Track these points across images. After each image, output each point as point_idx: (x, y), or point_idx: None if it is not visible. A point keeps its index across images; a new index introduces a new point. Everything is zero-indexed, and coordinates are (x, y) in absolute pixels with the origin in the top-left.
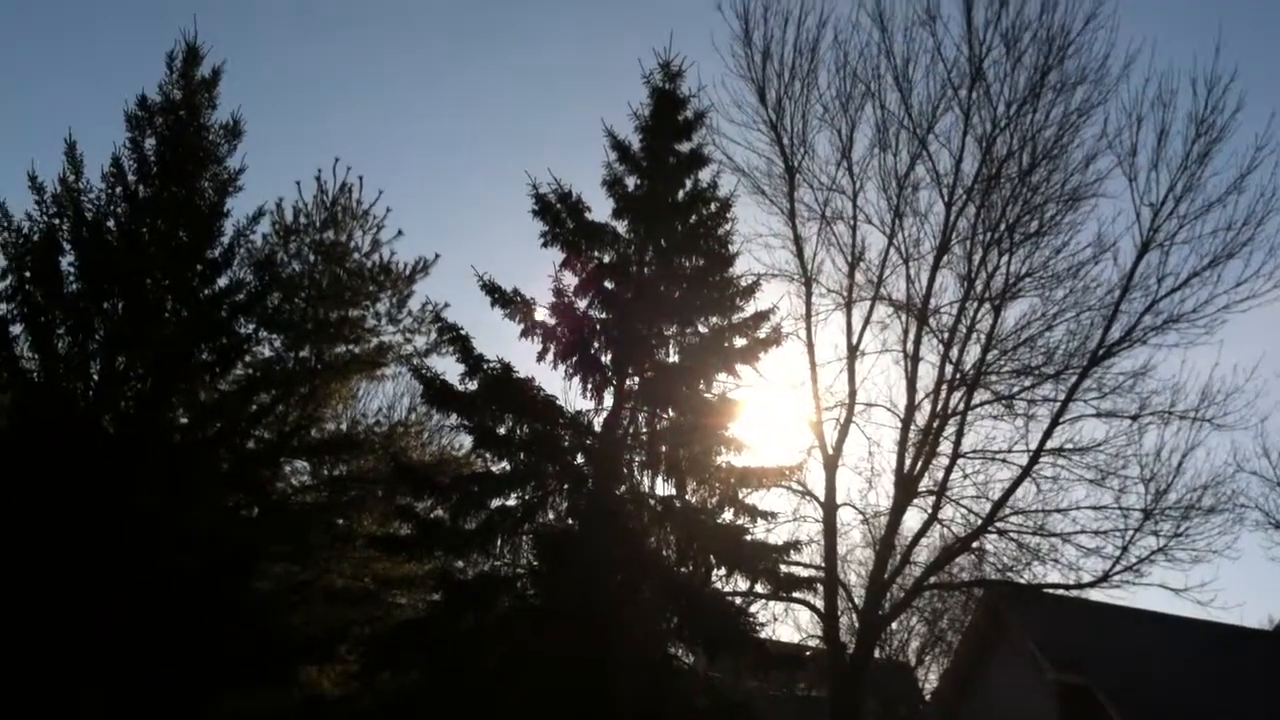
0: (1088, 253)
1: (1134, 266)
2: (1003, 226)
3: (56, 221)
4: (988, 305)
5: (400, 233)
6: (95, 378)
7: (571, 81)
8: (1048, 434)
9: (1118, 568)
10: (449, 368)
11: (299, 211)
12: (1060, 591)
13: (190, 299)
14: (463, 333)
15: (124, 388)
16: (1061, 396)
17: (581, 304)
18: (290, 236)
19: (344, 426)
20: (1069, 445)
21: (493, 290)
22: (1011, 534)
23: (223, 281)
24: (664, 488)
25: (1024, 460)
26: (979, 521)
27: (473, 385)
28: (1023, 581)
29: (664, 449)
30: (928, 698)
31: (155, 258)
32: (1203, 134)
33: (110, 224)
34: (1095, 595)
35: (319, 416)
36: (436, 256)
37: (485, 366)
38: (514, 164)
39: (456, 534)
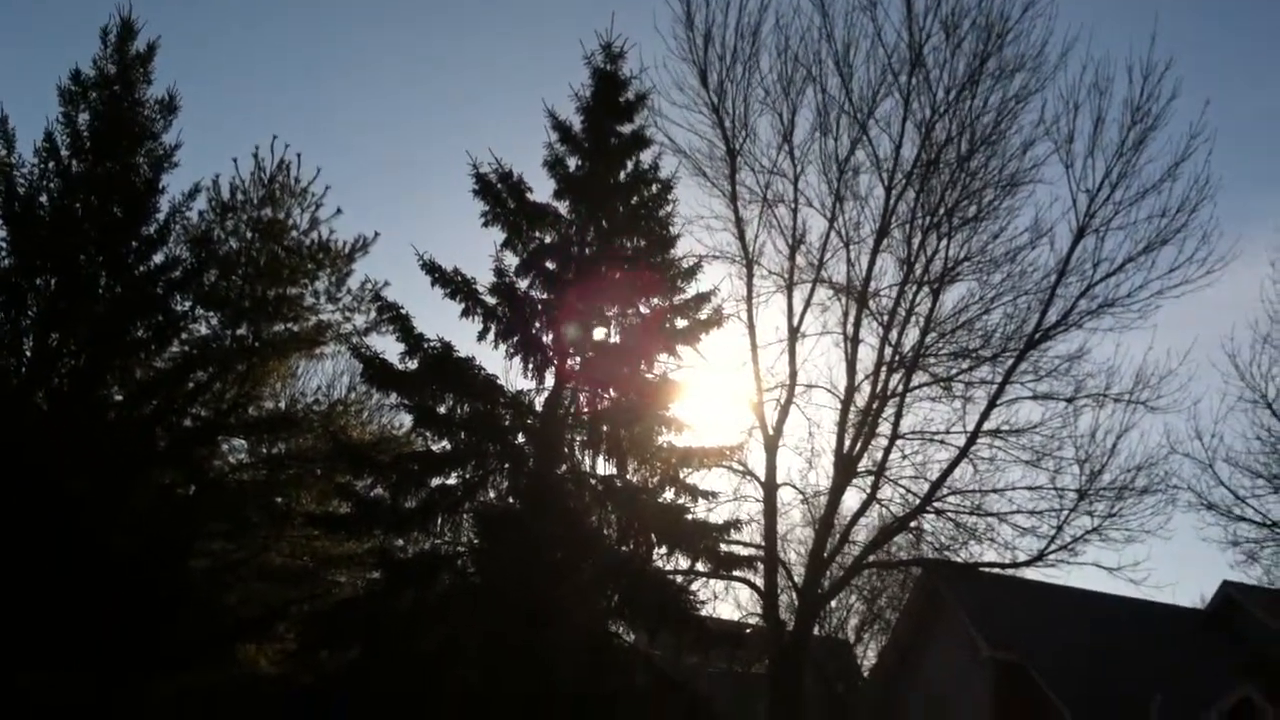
0: (1025, 238)
1: (1070, 251)
2: (941, 211)
3: None
4: (927, 289)
5: (339, 211)
6: (28, 354)
7: (513, 61)
8: (985, 415)
9: (1053, 547)
10: (389, 347)
11: (236, 188)
12: (996, 570)
13: (125, 275)
14: (403, 312)
15: (57, 364)
16: (999, 379)
17: (523, 284)
18: (227, 213)
19: (282, 405)
20: (1006, 427)
21: (433, 270)
22: (949, 514)
23: (158, 258)
24: (605, 467)
25: (961, 441)
26: (917, 501)
27: (413, 364)
28: (960, 560)
29: (605, 429)
30: (866, 674)
31: (88, 233)
32: (1138, 121)
33: (43, 199)
34: (1030, 574)
35: (257, 395)
36: (376, 235)
37: (425, 346)
38: (455, 144)
39: (396, 513)
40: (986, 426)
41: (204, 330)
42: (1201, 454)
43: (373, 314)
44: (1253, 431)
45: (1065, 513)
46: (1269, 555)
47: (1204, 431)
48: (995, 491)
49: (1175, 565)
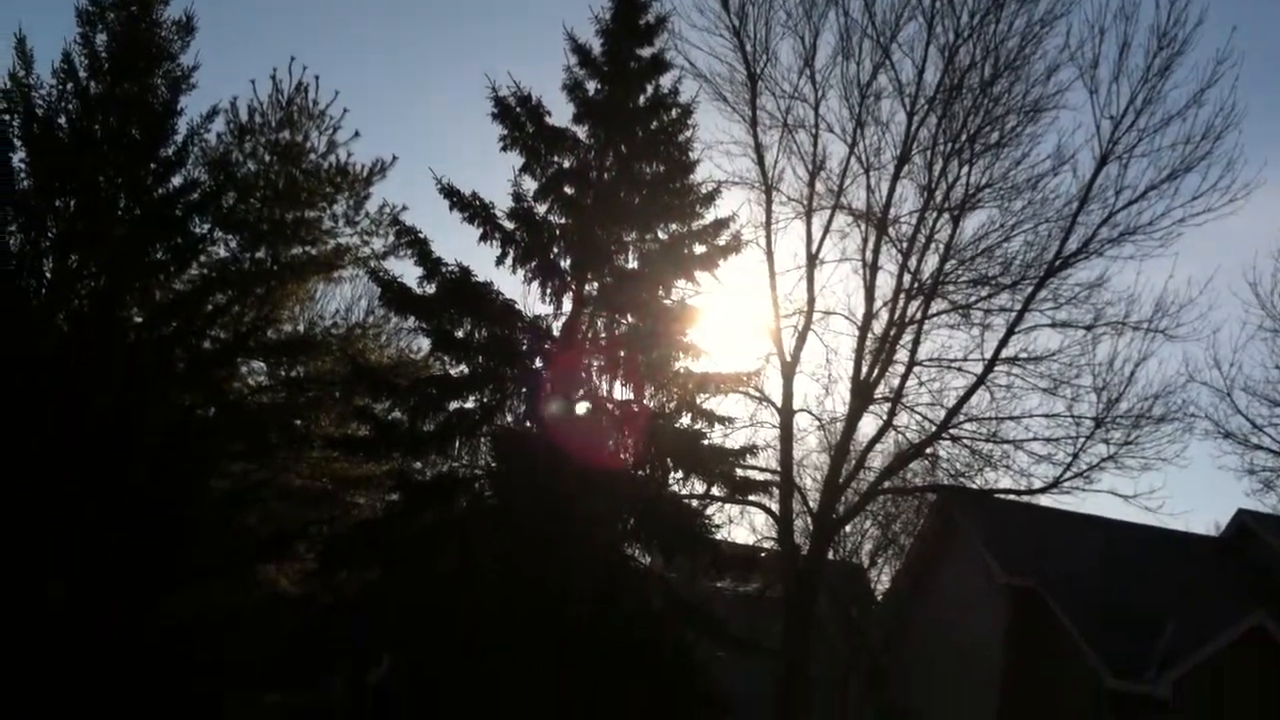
0: (1047, 164)
1: (1092, 179)
2: (964, 137)
3: (7, 117)
4: (947, 215)
5: (357, 134)
6: (48, 276)
7: None
8: (1003, 343)
9: (1068, 474)
10: (407, 271)
11: (254, 111)
12: (1011, 497)
13: (143, 197)
14: (421, 235)
15: (77, 286)
16: (1017, 306)
17: (541, 209)
18: (245, 136)
19: (301, 328)
20: (1023, 354)
21: (451, 194)
22: (965, 440)
23: (176, 180)
24: (622, 392)
25: (979, 368)
26: (933, 428)
27: (431, 289)
28: (975, 487)
29: (622, 354)
30: (880, 599)
31: (107, 155)
32: (1164, 47)
33: (61, 121)
34: (1045, 501)
35: (276, 318)
36: (394, 158)
37: (443, 270)
38: (474, 67)
39: (414, 435)
40: (1004, 354)
41: (223, 253)
42: (1220, 382)
43: (391, 238)
44: (1272, 360)
45: (1081, 440)
46: None
47: (1223, 360)
48: (1012, 419)
49: (1190, 493)
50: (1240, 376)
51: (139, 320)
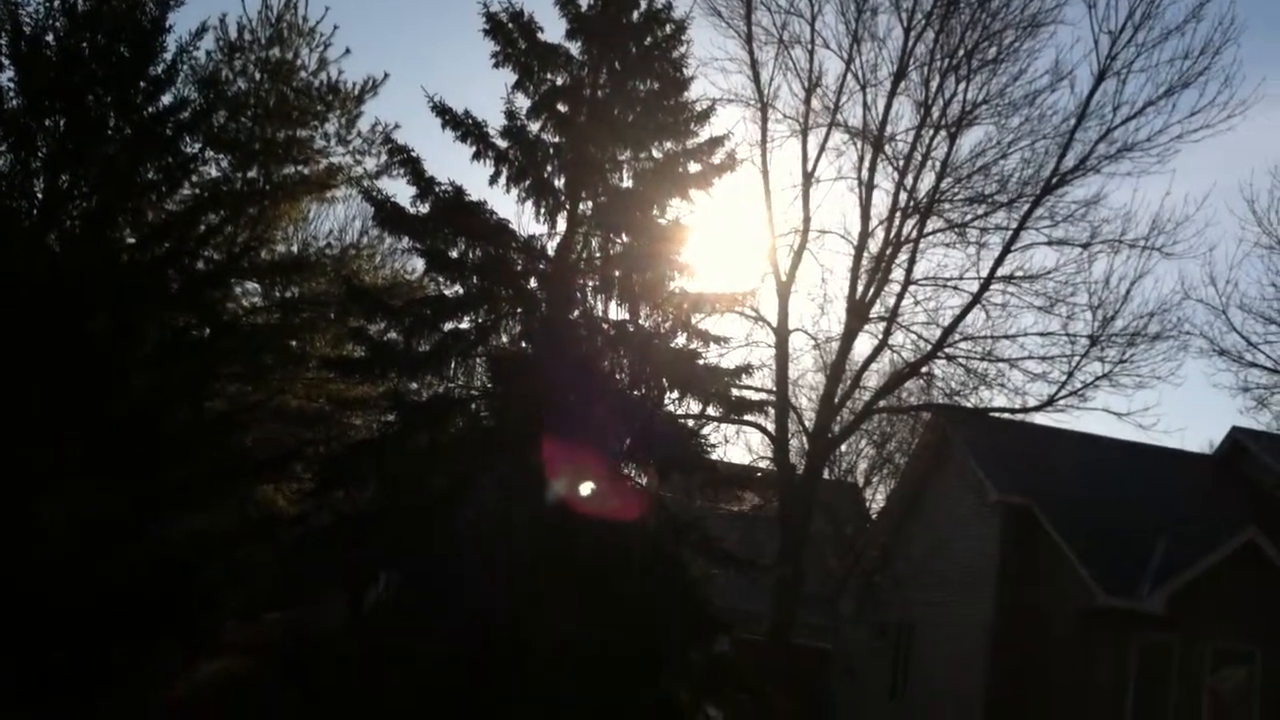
0: (1045, 80)
1: (1090, 94)
2: (961, 53)
3: None
4: (943, 133)
5: (348, 51)
6: (39, 196)
7: None
8: (999, 261)
9: (1063, 392)
10: (400, 190)
11: (243, 28)
12: (1006, 415)
13: (134, 116)
14: (413, 154)
15: (68, 206)
16: (1014, 224)
17: (534, 127)
18: (235, 53)
19: (295, 248)
20: (1019, 273)
21: (443, 112)
22: (960, 359)
23: (166, 99)
24: (617, 312)
25: (974, 287)
26: (929, 347)
27: (424, 208)
28: (970, 406)
29: (617, 274)
30: (874, 517)
31: (96, 73)
32: None
33: (49, 38)
34: (1040, 419)
35: (269, 238)
36: (386, 76)
37: (437, 189)
38: None
39: (410, 356)
40: (1000, 272)
41: (214, 173)
42: (1215, 300)
43: (383, 157)
44: (1268, 278)
45: (1076, 359)
46: (1279, 401)
47: (1218, 278)
48: (1007, 337)
49: (1185, 411)
50: (1236, 294)
51: (131, 241)
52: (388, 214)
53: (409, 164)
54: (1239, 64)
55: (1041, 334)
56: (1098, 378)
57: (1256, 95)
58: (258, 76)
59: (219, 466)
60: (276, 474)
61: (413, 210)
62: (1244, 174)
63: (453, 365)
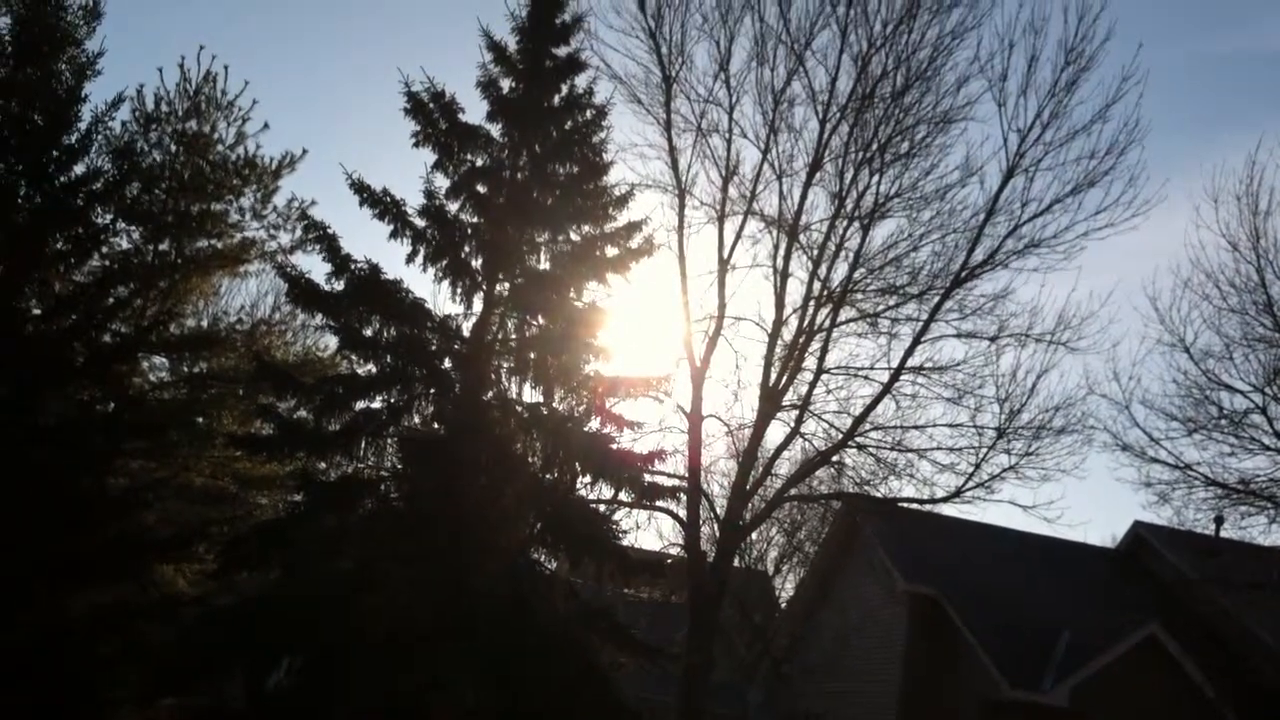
0: (955, 175)
1: (999, 191)
2: (875, 146)
3: None
4: (857, 224)
5: (266, 126)
6: None
7: None
8: (909, 352)
9: (970, 484)
10: (315, 266)
11: (160, 99)
12: (915, 506)
13: (45, 185)
14: (329, 231)
15: None
16: (924, 316)
17: (453, 207)
18: (151, 125)
19: (205, 323)
20: (929, 364)
21: (361, 189)
22: (870, 449)
23: (79, 169)
24: (532, 395)
25: (885, 377)
26: (840, 436)
27: (339, 285)
28: (879, 495)
29: (532, 356)
30: (784, 606)
31: (8, 141)
32: (1072, 62)
33: None
34: (948, 510)
35: (179, 312)
36: (304, 152)
37: (352, 266)
38: (387, 62)
39: (319, 435)
40: (910, 363)
41: (125, 244)
42: (1119, 395)
43: (299, 232)
44: (1169, 375)
45: (984, 450)
46: (1180, 497)
47: (1122, 373)
48: (916, 428)
49: (1089, 505)
50: (1139, 390)
51: (37, 312)
52: (301, 290)
53: (325, 240)
54: (1143, 165)
55: (950, 425)
56: (1004, 470)
57: (1160, 196)
58: (173, 149)
59: (120, 543)
60: (178, 553)
61: (327, 287)
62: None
63: (363, 445)
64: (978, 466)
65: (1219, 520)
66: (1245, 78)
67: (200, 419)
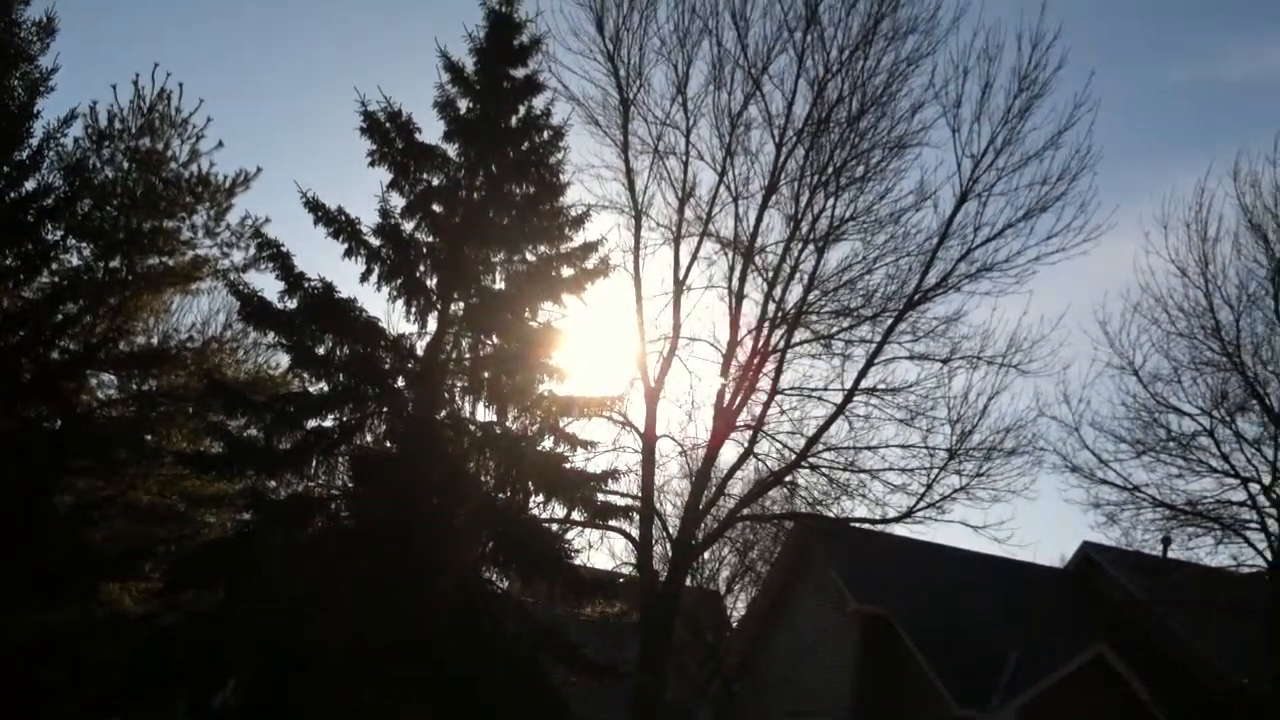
0: (909, 200)
1: (952, 215)
2: (830, 170)
3: None
4: (812, 246)
5: (220, 144)
6: None
7: None
8: (862, 374)
9: (922, 504)
10: (268, 285)
11: (114, 116)
12: (866, 526)
13: None
14: (283, 249)
15: None
16: (878, 338)
17: (408, 226)
18: (104, 142)
19: (155, 340)
20: (882, 385)
21: (316, 208)
22: (823, 469)
23: (30, 185)
24: (485, 414)
25: (839, 398)
26: (793, 456)
27: (292, 303)
28: (832, 515)
29: (486, 375)
30: (736, 625)
31: None
32: (1025, 89)
33: None
34: (899, 530)
35: (129, 329)
36: (258, 170)
37: (306, 285)
38: (343, 81)
39: (270, 453)
40: (863, 384)
41: (75, 261)
42: (1068, 418)
43: (252, 251)
44: (1118, 397)
45: (935, 471)
46: (1128, 518)
47: (1072, 396)
48: (869, 449)
49: (1038, 526)
50: (1088, 412)
51: None
52: (254, 308)
53: (278, 258)
54: (1094, 191)
55: (902, 446)
56: (955, 490)
57: (1110, 222)
58: (126, 166)
59: (65, 562)
60: (125, 573)
61: (280, 305)
62: (1097, 296)
63: (314, 464)
64: (929, 487)
65: (1166, 541)
66: (1196, 107)
67: (149, 437)
